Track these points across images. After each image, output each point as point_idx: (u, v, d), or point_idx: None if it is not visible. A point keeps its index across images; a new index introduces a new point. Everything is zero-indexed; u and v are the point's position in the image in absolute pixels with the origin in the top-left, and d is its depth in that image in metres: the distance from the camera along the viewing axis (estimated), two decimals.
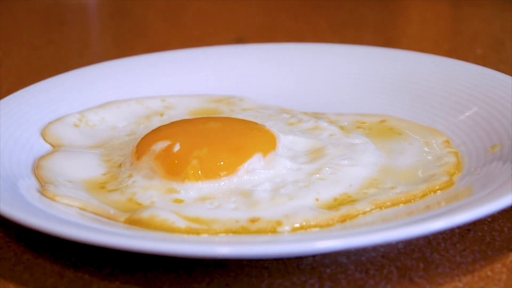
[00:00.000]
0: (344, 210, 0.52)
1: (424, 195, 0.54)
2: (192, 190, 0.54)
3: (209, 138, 0.59)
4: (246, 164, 0.55)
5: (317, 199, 0.53)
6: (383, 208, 0.53)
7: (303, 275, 0.48)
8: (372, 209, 0.52)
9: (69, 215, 0.52)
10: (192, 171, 0.55)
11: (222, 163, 0.55)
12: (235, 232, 0.50)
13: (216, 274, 0.49)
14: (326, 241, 0.46)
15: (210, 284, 0.48)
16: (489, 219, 0.54)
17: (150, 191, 0.55)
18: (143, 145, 0.58)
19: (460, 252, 0.50)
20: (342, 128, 0.64)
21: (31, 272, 0.50)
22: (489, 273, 0.48)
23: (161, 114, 0.68)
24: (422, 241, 0.51)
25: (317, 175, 0.56)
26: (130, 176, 0.56)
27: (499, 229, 0.53)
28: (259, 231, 0.50)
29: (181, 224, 0.50)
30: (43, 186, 0.56)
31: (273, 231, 0.50)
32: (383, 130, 0.64)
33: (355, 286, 0.47)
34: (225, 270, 0.49)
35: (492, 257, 0.50)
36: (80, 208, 0.53)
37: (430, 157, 0.59)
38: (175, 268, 0.49)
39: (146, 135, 0.60)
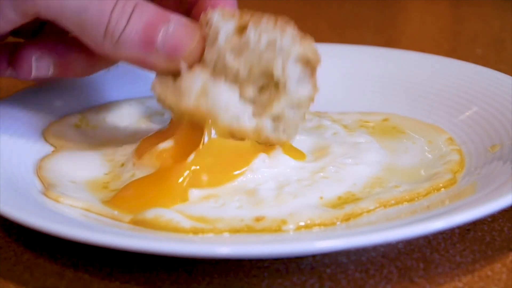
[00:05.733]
0: (348, 209, 0.52)
1: (428, 193, 0.54)
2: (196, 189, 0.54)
3: None
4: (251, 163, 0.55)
5: (321, 198, 0.53)
6: (387, 206, 0.53)
7: (303, 275, 0.48)
8: (376, 208, 0.52)
9: (70, 215, 0.52)
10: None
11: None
12: (239, 231, 0.50)
13: (216, 274, 0.49)
14: (326, 241, 0.46)
15: (210, 284, 0.48)
16: (489, 219, 0.54)
17: None
18: (145, 145, 0.58)
19: (460, 252, 0.50)
20: (345, 127, 0.64)
21: (31, 272, 0.50)
22: (489, 273, 0.48)
23: (162, 114, 0.68)
24: (422, 241, 0.51)
25: (321, 174, 0.56)
26: (133, 175, 0.56)
27: (499, 229, 0.53)
28: (263, 230, 0.50)
29: (186, 224, 0.50)
30: (47, 187, 0.55)
31: (278, 229, 0.50)
32: (386, 129, 0.64)
33: (355, 286, 0.47)
34: (225, 270, 0.49)
35: (492, 257, 0.50)
36: (84, 209, 0.53)
37: (433, 155, 0.59)
38: (175, 268, 0.49)
39: (149, 135, 0.60)
